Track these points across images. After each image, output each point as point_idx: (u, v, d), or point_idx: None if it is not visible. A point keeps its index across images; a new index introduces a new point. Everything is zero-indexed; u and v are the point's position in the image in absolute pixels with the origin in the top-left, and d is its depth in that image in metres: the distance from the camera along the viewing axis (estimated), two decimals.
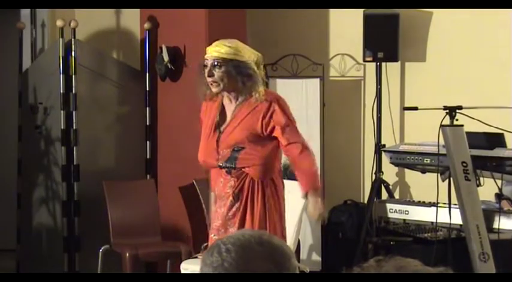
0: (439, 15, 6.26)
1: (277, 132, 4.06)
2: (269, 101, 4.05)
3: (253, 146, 4.03)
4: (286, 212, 5.52)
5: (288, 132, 4.06)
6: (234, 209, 4.07)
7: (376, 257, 1.43)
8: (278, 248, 1.78)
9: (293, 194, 5.71)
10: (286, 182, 6.09)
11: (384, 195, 6.17)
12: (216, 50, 4.02)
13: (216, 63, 4.00)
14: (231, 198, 4.07)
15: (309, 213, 4.21)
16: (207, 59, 4.04)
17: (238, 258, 1.73)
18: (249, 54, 4.07)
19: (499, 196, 5.09)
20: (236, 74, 3.99)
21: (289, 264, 1.76)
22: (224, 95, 4.12)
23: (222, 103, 4.15)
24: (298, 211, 5.58)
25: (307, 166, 4.14)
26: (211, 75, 4.00)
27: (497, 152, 4.54)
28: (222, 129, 4.11)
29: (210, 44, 5.38)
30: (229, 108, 4.12)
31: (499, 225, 4.68)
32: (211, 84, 4.02)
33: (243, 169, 4.05)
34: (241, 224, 4.06)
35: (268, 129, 4.04)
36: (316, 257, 6.27)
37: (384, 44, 6.21)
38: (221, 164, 4.07)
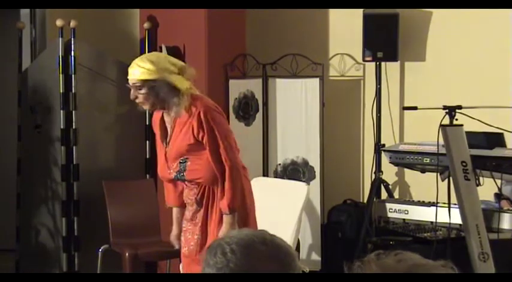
0: (439, 15, 6.27)
1: (205, 144, 4.06)
2: (198, 110, 4.03)
3: (196, 155, 4.07)
4: (286, 211, 5.55)
5: (213, 147, 4.04)
6: (198, 214, 4.16)
7: (377, 251, 1.43)
8: (282, 247, 1.77)
9: (292, 193, 5.73)
10: (285, 181, 6.14)
11: (384, 194, 6.18)
12: (131, 73, 4.05)
13: (136, 85, 4.03)
14: (195, 205, 4.16)
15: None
16: (129, 82, 4.09)
17: (243, 258, 1.71)
18: (166, 69, 4.03)
19: (498, 196, 5.09)
20: (156, 93, 4.01)
21: (294, 264, 1.75)
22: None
23: (163, 117, 4.21)
24: (297, 211, 5.59)
25: (229, 186, 4.06)
26: (135, 97, 4.05)
27: (497, 152, 4.54)
28: (166, 143, 4.18)
29: (209, 44, 5.34)
30: (168, 122, 4.18)
31: (498, 225, 4.68)
32: (141, 104, 4.07)
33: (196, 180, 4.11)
34: (204, 230, 4.15)
35: (200, 139, 4.05)
36: (316, 257, 6.27)
37: (383, 43, 6.22)
38: (174, 177, 4.15)
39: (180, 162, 4.10)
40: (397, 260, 1.40)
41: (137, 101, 4.05)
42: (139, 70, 4.01)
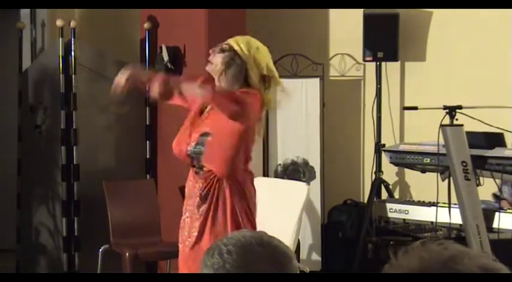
0: (439, 15, 6.27)
1: None
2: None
3: (220, 136, 3.91)
4: (286, 211, 5.55)
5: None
6: (200, 209, 4.00)
7: (421, 240, 1.46)
8: (279, 249, 1.78)
9: (293, 194, 5.73)
10: (286, 182, 6.14)
11: (384, 194, 6.18)
12: (233, 40, 4.02)
13: (221, 48, 3.99)
14: (197, 199, 4.00)
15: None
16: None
17: (240, 259, 1.72)
18: (257, 63, 3.97)
19: (497, 197, 5.09)
20: (229, 68, 3.94)
21: (290, 266, 1.76)
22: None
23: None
24: (297, 211, 5.58)
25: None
26: (211, 58, 3.98)
27: (497, 152, 4.54)
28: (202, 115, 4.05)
29: (210, 44, 5.28)
30: None
31: (498, 225, 4.68)
32: (208, 62, 4.00)
33: (206, 168, 3.94)
34: (203, 226, 3.98)
35: None
36: (316, 257, 6.27)
37: (383, 43, 6.22)
38: (189, 150, 3.97)
39: (201, 135, 3.94)
40: (443, 247, 1.42)
41: (210, 61, 3.97)
42: (238, 42, 4.00)
